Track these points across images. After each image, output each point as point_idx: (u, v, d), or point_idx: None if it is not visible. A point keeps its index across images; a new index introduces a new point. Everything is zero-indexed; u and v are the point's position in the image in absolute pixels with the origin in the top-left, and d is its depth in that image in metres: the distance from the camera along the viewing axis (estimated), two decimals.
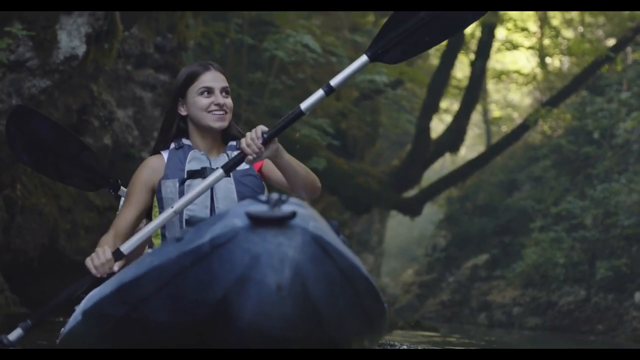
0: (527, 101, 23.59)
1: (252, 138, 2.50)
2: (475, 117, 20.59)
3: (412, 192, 15.12)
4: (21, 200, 6.94)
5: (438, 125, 20.55)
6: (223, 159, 2.78)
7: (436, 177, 16.56)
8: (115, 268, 2.57)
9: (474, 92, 14.88)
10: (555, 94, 15.66)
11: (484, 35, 14.75)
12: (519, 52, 19.82)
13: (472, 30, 15.79)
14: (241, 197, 2.71)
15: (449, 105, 21.52)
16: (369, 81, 11.40)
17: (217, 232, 1.77)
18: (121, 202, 3.73)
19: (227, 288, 1.75)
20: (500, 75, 19.48)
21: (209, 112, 2.77)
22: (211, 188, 2.66)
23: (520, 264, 14.40)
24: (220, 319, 1.78)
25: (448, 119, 19.41)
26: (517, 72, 19.61)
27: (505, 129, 21.45)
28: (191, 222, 2.67)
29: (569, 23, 18.77)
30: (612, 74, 14.98)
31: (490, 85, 21.95)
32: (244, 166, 2.67)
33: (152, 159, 2.83)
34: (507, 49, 18.21)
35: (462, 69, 20.02)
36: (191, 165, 2.75)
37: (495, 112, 23.52)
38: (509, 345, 7.77)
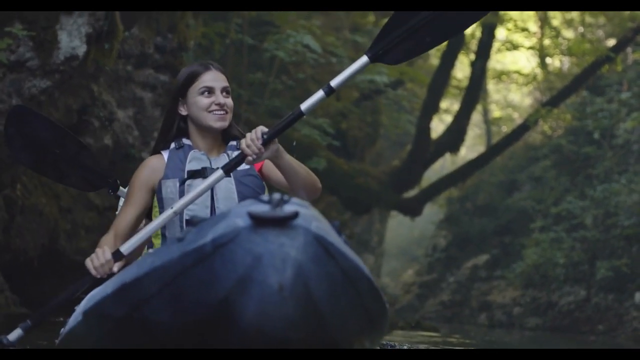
0: (527, 101, 23.59)
1: (252, 139, 2.49)
2: (476, 117, 20.59)
3: (412, 193, 15.12)
4: (21, 200, 6.94)
5: (438, 126, 20.55)
6: (223, 159, 2.77)
7: (436, 177, 16.55)
8: (115, 269, 2.57)
9: (474, 92, 14.89)
10: (555, 94, 15.67)
11: (484, 35, 14.75)
12: (519, 53, 19.82)
13: (473, 30, 15.79)
14: (242, 197, 2.71)
15: (449, 105, 21.53)
16: (369, 81, 11.41)
17: (219, 232, 1.77)
18: (120, 202, 3.74)
19: (229, 288, 1.74)
20: (501, 75, 19.48)
21: (210, 112, 2.76)
22: (212, 188, 2.65)
23: (521, 264, 14.40)
24: (222, 320, 1.78)
25: (448, 119, 19.41)
26: (518, 72, 19.61)
27: (505, 129, 21.45)
28: (192, 222, 2.67)
29: (569, 23, 18.76)
30: (612, 74, 14.99)
31: (491, 85, 21.95)
32: (244, 166, 2.66)
33: (152, 159, 2.82)
34: (508, 49, 18.21)
35: (462, 69, 20.02)
36: (191, 165, 2.75)
37: (496, 112, 23.52)
38: (510, 345, 7.77)
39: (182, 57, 8.71)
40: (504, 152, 16.35)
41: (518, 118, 21.99)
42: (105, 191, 3.40)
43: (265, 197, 1.78)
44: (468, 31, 15.53)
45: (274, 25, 11.04)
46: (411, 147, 14.80)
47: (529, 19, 18.00)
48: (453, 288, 17.93)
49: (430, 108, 14.28)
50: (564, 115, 15.23)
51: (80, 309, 2.40)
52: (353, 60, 2.70)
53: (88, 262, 2.57)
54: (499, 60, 21.43)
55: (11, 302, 6.86)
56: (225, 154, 2.80)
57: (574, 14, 17.71)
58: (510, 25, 16.65)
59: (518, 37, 17.96)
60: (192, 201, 2.58)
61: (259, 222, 1.73)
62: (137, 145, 8.37)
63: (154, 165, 2.80)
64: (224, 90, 2.79)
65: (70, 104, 7.30)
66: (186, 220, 2.68)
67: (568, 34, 18.94)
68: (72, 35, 5.85)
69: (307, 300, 1.75)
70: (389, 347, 3.44)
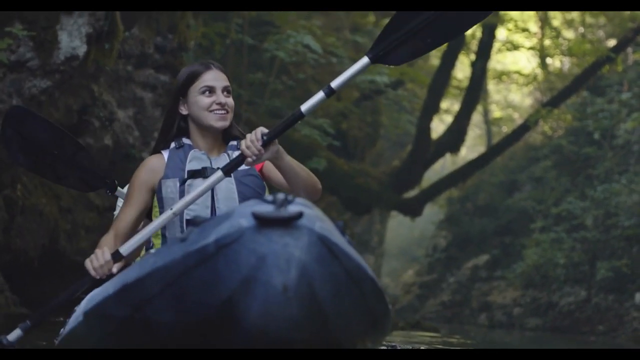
0: (527, 102, 23.60)
1: (252, 140, 2.48)
2: (476, 117, 20.59)
3: (412, 193, 15.12)
4: (21, 201, 6.93)
5: (439, 126, 20.55)
6: (224, 158, 2.76)
7: (437, 177, 16.55)
8: (114, 270, 2.56)
9: (475, 92, 14.89)
10: (555, 94, 15.66)
11: (485, 35, 14.75)
12: (520, 53, 19.81)
13: (473, 30, 15.78)
14: (242, 197, 2.70)
15: (450, 105, 21.53)
16: (370, 81, 11.40)
17: (223, 232, 1.76)
18: (118, 203, 3.73)
19: (233, 289, 1.73)
20: (501, 75, 19.48)
21: (211, 111, 2.75)
22: (212, 188, 2.65)
23: (521, 264, 14.40)
24: (226, 320, 1.77)
25: (449, 119, 19.41)
26: (518, 72, 19.61)
27: (505, 129, 21.46)
28: (193, 222, 2.66)
29: (569, 24, 18.76)
30: (612, 75, 14.99)
31: (491, 85, 21.95)
32: (244, 166, 2.66)
33: (152, 159, 2.81)
34: (508, 49, 18.20)
35: (462, 70, 20.02)
36: (192, 164, 2.74)
37: (496, 112, 23.52)
38: (510, 346, 7.76)
39: (182, 57, 8.71)
40: (504, 153, 16.34)
41: (518, 118, 21.99)
42: (104, 191, 3.39)
43: (269, 197, 1.77)
44: (468, 31, 15.50)
45: (274, 25, 11.04)
46: (411, 147, 14.79)
47: (529, 19, 17.99)
48: (453, 288, 17.93)
49: (431, 108, 14.27)
50: (565, 115, 15.23)
51: (80, 309, 2.39)
52: (353, 60, 2.70)
53: (87, 263, 2.56)
54: (499, 60, 21.44)
55: (11, 302, 6.85)
56: (225, 154, 2.79)
57: (575, 14, 17.71)
58: (510, 25, 16.64)
59: (518, 38, 17.95)
60: (191, 203, 2.58)
61: (263, 222, 1.72)
62: (137, 145, 8.37)
63: (154, 165, 2.79)
64: (224, 89, 2.78)
65: (71, 104, 7.30)
66: (187, 220, 2.67)
67: (568, 34, 18.94)
68: (72, 35, 5.85)
69: (311, 301, 1.74)
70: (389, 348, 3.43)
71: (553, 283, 14.18)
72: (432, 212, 20.75)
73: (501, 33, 17.53)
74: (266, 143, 2.48)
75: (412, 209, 14.45)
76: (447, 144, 14.65)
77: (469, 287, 17.39)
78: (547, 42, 18.39)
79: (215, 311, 1.78)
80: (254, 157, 2.49)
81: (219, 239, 1.76)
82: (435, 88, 14.15)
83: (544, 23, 18.10)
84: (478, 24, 14.20)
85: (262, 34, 10.99)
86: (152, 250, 2.89)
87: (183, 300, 1.84)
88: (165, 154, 2.81)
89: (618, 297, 12.48)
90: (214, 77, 2.77)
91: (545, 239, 13.82)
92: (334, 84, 2.59)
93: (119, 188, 3.40)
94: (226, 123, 2.78)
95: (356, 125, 14.34)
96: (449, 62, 14.30)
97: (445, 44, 13.49)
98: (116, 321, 2.08)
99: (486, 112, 22.45)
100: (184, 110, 2.82)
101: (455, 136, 14.55)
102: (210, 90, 2.76)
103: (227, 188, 2.70)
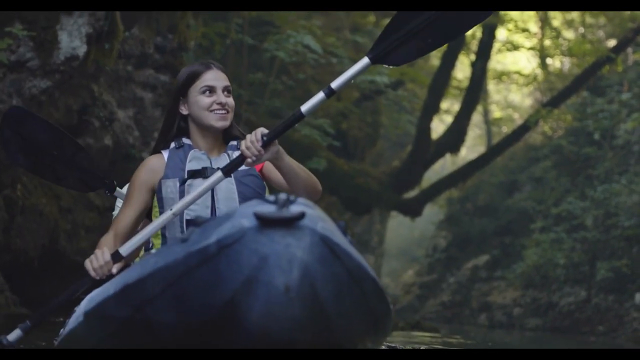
0: (527, 102, 23.60)
1: (252, 141, 2.48)
2: (476, 117, 20.58)
3: (412, 193, 15.12)
4: (21, 201, 6.93)
5: (439, 126, 20.55)
6: (224, 158, 2.76)
7: (437, 177, 16.55)
8: (114, 270, 2.56)
9: (475, 92, 14.88)
10: (555, 94, 15.66)
11: (485, 36, 14.75)
12: (520, 53, 19.81)
13: (473, 31, 15.77)
14: (242, 197, 2.70)
15: (450, 105, 21.52)
16: (370, 82, 11.39)
17: (224, 232, 1.76)
18: (116, 203, 3.73)
19: (235, 289, 1.73)
20: (501, 76, 19.48)
21: (211, 111, 2.75)
22: (212, 188, 2.64)
23: (521, 264, 14.39)
24: (227, 321, 1.77)
25: (449, 119, 19.41)
26: (518, 72, 19.61)
27: (505, 129, 21.46)
28: (193, 222, 2.66)
29: (569, 24, 18.76)
30: (612, 75, 14.99)
31: (491, 86, 21.95)
32: (245, 166, 2.66)
33: (151, 159, 2.81)
34: (508, 49, 18.19)
35: (462, 70, 20.02)
36: (192, 164, 2.74)
37: (496, 112, 23.52)
38: (510, 346, 7.76)
39: (183, 57, 8.71)
40: (504, 153, 16.34)
41: (518, 118, 21.99)
42: (102, 192, 3.39)
43: (271, 197, 1.76)
44: (468, 32, 15.51)
45: (274, 25, 11.04)
46: (411, 147, 14.79)
47: (529, 19, 17.99)
48: (453, 288, 17.93)
49: (431, 108, 14.27)
50: (565, 115, 15.23)
51: (81, 309, 2.39)
52: (353, 60, 2.70)
53: (87, 264, 2.56)
54: (499, 60, 21.43)
55: (11, 303, 6.85)
56: (225, 154, 2.79)
57: (575, 15, 17.71)
58: (510, 25, 16.64)
59: (518, 38, 17.95)
60: (191, 203, 2.57)
61: (265, 222, 1.72)
62: (137, 145, 8.37)
63: (153, 165, 2.78)
64: (225, 89, 2.78)
65: (71, 104, 7.30)
66: (187, 220, 2.67)
67: (568, 34, 18.94)
68: (72, 35, 5.85)
69: (314, 301, 1.74)
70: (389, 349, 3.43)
71: (553, 283, 14.18)
72: (432, 212, 20.74)
73: (501, 33, 17.53)
74: (266, 143, 2.48)
75: (412, 209, 14.45)
76: (447, 144, 14.65)
77: (469, 287, 17.39)
78: (547, 42, 18.40)
79: (217, 312, 1.77)
80: (254, 158, 2.48)
81: (221, 239, 1.75)
82: (435, 88, 14.15)
83: (544, 23, 18.10)
84: (478, 24, 14.22)
85: (262, 34, 10.99)
86: (152, 251, 2.89)
87: (184, 300, 1.83)
88: (165, 154, 2.80)
89: (618, 297, 12.48)
90: (214, 77, 2.77)
91: (545, 239, 13.81)
92: (334, 84, 2.58)
93: (117, 188, 3.40)
94: (226, 123, 2.77)
95: (356, 126, 14.34)
96: (449, 62, 14.30)
97: (446, 45, 13.49)
98: (117, 321, 2.07)
99: (486, 113, 22.45)
100: (184, 110, 2.82)
101: (455, 136, 14.55)
102: (211, 90, 2.76)
103: (227, 188, 2.70)
